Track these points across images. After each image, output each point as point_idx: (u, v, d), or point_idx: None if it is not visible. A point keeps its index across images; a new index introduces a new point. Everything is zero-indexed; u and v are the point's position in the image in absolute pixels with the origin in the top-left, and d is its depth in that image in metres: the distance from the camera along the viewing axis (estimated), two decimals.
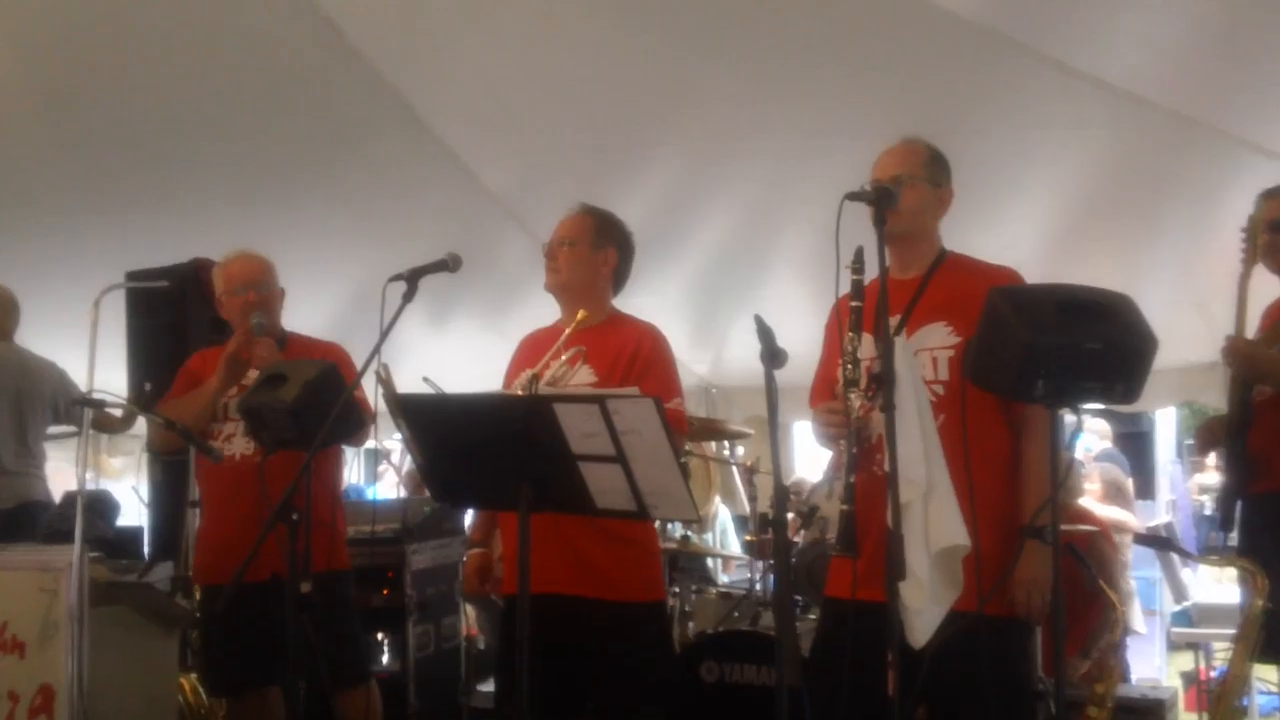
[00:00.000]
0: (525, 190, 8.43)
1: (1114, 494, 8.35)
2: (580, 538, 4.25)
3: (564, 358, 4.39)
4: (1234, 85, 6.26)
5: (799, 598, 6.06)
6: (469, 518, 7.30)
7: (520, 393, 4.26)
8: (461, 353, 8.96)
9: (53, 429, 7.39)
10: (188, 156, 8.10)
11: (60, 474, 9.43)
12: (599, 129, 7.78)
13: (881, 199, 3.62)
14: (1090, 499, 8.29)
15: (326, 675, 4.45)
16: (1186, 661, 8.21)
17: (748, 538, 7.00)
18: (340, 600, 5.20)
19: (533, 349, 4.70)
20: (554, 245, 4.68)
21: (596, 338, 4.52)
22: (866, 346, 3.75)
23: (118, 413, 5.24)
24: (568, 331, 4.49)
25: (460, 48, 7.34)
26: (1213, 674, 7.16)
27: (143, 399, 6.29)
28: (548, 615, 4.14)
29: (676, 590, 6.40)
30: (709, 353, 9.42)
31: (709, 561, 8.86)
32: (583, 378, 4.41)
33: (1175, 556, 8.77)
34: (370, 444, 5.66)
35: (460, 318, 9.45)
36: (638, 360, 4.46)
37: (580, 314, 4.52)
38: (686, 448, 6.51)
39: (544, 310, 4.88)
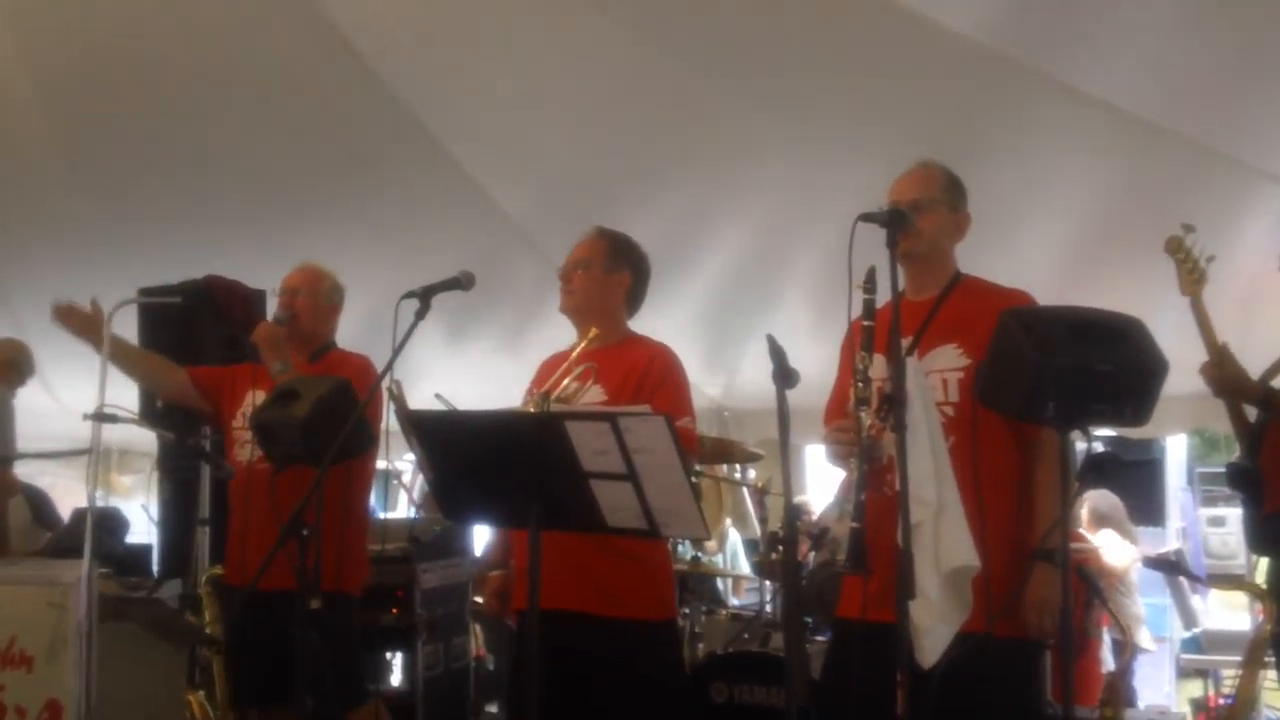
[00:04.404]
0: (541, 213, 8.45)
1: (1099, 521, 8.30)
2: (591, 555, 4.26)
3: (574, 374, 4.40)
4: (1247, 112, 6.26)
5: (809, 619, 6.05)
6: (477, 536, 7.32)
7: (532, 410, 4.28)
8: (477, 375, 8.98)
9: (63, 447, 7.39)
10: (203, 175, 8.14)
11: (70, 491, 9.47)
12: (614, 153, 7.80)
13: (895, 221, 3.65)
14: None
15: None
16: (1196, 688, 8.20)
17: (758, 559, 6.98)
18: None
19: (551, 371, 4.71)
20: (569, 267, 4.71)
21: (609, 358, 4.54)
22: (878, 366, 3.77)
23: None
24: (578, 349, 4.52)
25: (477, 72, 7.37)
26: (1222, 701, 7.14)
27: (153, 415, 6.31)
28: (557, 631, 4.15)
29: (687, 611, 6.39)
30: (721, 376, 9.41)
31: (719, 583, 8.84)
32: (592, 396, 4.42)
33: (1185, 584, 8.77)
34: (381, 464, 5.64)
35: (476, 339, 9.45)
36: (648, 379, 4.48)
37: (592, 332, 4.55)
38: (697, 468, 6.51)
39: (560, 333, 4.89)
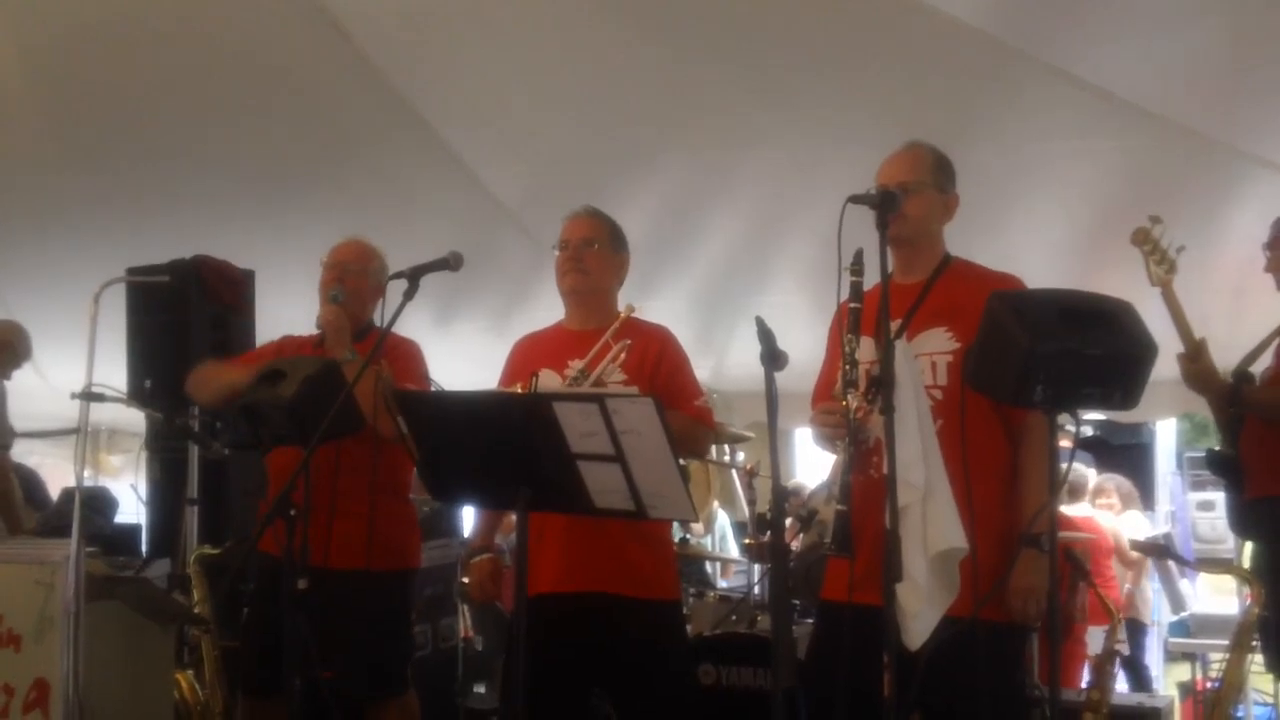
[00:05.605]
0: (530, 196, 8.43)
1: (1129, 503, 8.45)
2: (622, 537, 4.24)
3: (611, 355, 4.37)
4: (1241, 100, 6.26)
5: (796, 602, 6.05)
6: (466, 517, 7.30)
7: (569, 385, 4.31)
8: (465, 356, 8.96)
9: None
10: (192, 154, 8.10)
11: (59, 471, 9.46)
12: (604, 136, 7.78)
13: (884, 203, 3.64)
14: (1109, 513, 8.36)
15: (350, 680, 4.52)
16: (1184, 672, 8.21)
17: (746, 541, 6.98)
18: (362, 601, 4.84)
19: (530, 351, 4.70)
20: (579, 246, 4.62)
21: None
22: (865, 349, 3.76)
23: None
24: (615, 325, 4.47)
25: (467, 53, 7.34)
26: (1209, 684, 7.16)
27: (142, 395, 6.29)
28: (588, 611, 4.24)
29: None
30: (711, 358, 9.39)
31: (707, 566, 8.85)
32: (613, 378, 4.39)
33: (1174, 568, 8.81)
34: None
35: (464, 322, 9.45)
36: (663, 362, 4.49)
37: (628, 308, 4.56)
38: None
39: (547, 315, 4.87)
